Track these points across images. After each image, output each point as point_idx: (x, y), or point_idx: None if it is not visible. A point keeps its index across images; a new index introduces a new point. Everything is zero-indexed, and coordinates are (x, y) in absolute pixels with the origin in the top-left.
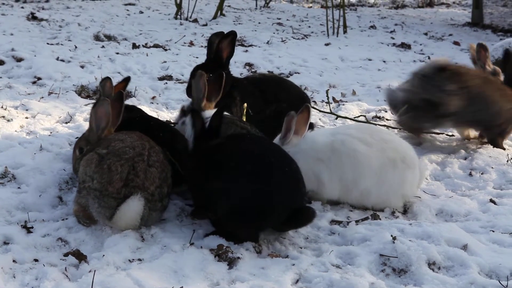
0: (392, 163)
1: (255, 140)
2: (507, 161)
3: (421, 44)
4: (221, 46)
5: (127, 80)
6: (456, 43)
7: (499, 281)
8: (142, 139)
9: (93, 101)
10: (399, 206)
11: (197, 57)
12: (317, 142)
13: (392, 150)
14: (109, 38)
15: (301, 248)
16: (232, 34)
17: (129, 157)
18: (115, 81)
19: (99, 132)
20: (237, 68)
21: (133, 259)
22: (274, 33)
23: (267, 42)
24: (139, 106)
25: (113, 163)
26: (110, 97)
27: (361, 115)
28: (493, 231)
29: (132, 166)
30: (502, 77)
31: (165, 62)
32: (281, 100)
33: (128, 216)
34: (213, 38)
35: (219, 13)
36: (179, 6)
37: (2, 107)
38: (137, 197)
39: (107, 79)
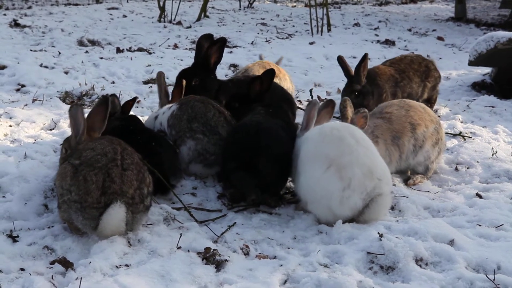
0: (327, 161)
1: None
2: (492, 154)
3: (405, 40)
4: (210, 51)
5: (134, 100)
6: (440, 38)
7: (486, 275)
8: (112, 143)
9: None
10: (326, 220)
11: (181, 60)
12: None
13: (339, 151)
14: (93, 43)
15: (288, 248)
16: (222, 40)
17: (102, 165)
18: (99, 85)
19: (78, 137)
20: (222, 69)
21: (120, 265)
22: (258, 33)
23: (252, 43)
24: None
25: (87, 173)
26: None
27: None
28: (479, 225)
29: (106, 173)
30: None
31: (149, 65)
32: (265, 100)
33: (111, 224)
34: (202, 41)
35: (202, 15)
36: (162, 9)
37: None
38: (117, 205)
39: (113, 96)
